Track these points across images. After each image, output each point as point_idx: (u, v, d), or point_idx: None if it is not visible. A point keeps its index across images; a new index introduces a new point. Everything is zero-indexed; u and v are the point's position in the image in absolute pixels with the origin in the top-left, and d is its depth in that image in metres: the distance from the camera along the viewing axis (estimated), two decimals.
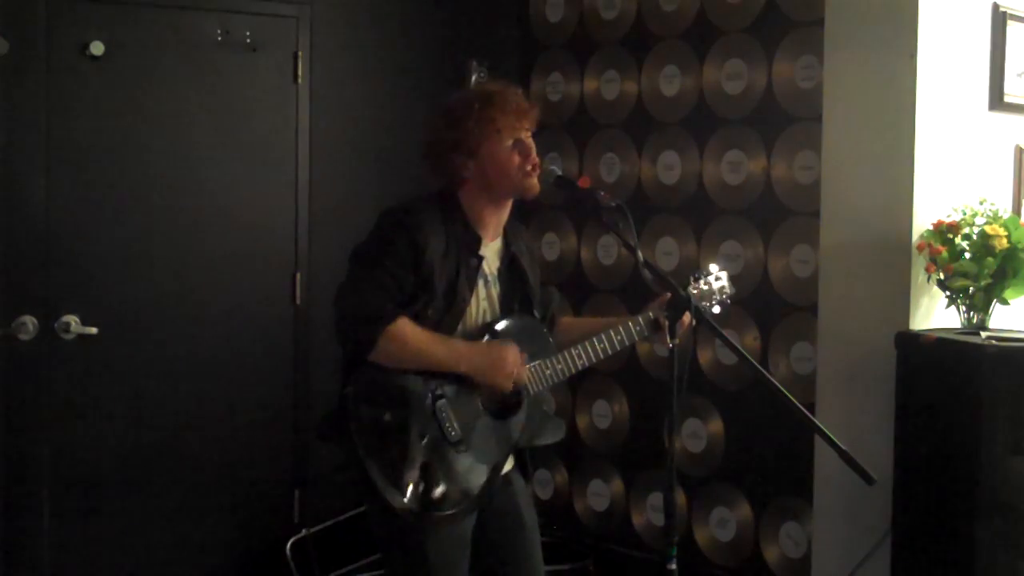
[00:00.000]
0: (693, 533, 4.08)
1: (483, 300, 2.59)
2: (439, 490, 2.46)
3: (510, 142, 2.54)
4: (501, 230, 2.65)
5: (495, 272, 2.63)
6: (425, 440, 2.46)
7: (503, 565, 2.66)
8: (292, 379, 3.99)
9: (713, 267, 2.85)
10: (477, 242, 2.57)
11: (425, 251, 2.45)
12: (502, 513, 2.64)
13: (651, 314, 2.69)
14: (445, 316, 2.50)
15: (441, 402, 2.48)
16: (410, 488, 2.43)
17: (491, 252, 2.62)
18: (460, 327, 2.54)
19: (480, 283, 2.58)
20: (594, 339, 2.63)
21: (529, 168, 2.54)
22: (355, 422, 2.41)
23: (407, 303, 2.46)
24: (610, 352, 2.65)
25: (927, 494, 3.10)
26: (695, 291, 2.78)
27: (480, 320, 2.59)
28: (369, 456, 2.40)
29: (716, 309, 2.83)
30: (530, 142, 2.57)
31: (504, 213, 2.63)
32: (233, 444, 3.87)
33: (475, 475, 2.53)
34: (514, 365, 2.51)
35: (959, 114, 3.48)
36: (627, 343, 2.67)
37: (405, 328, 2.42)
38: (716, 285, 2.83)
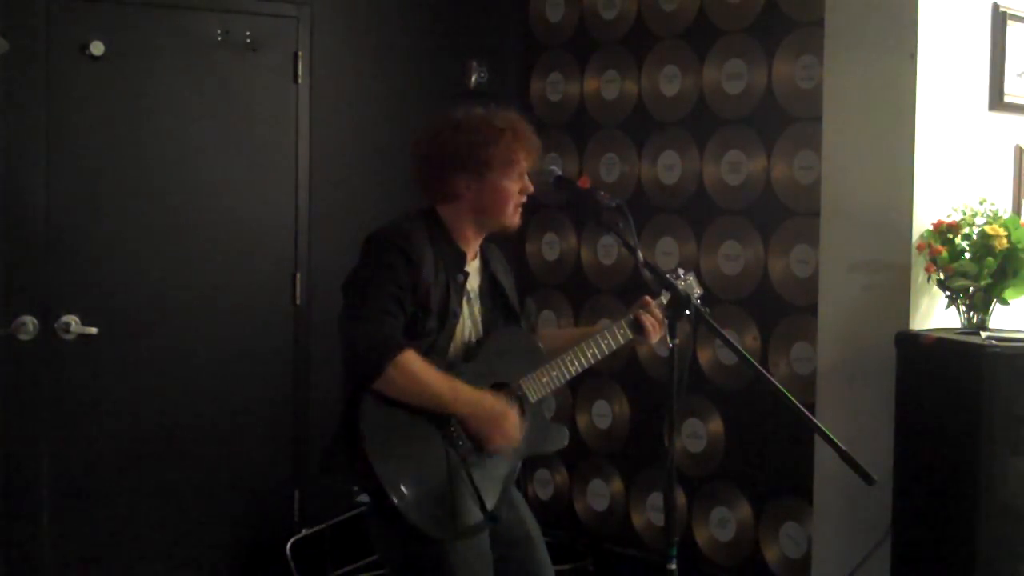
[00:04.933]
0: (693, 533, 4.07)
1: (467, 318, 2.59)
2: (459, 506, 2.44)
3: (517, 176, 2.56)
4: (479, 248, 2.66)
5: (476, 289, 2.63)
6: (440, 457, 2.44)
7: None
8: (292, 379, 3.99)
9: (680, 270, 2.87)
10: (463, 258, 2.58)
11: (421, 269, 2.44)
12: (508, 525, 2.63)
13: (631, 315, 2.71)
14: (439, 335, 2.49)
15: (452, 418, 2.47)
16: (431, 506, 2.40)
17: (472, 269, 2.63)
18: (452, 347, 2.53)
19: (465, 300, 2.58)
20: (583, 345, 2.65)
21: (519, 203, 2.58)
22: (370, 446, 2.36)
23: (408, 325, 2.44)
24: (599, 357, 2.67)
25: (927, 494, 3.10)
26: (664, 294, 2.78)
27: (468, 337, 2.58)
28: (388, 478, 2.35)
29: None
30: (529, 184, 2.60)
31: (481, 236, 2.64)
32: (233, 444, 3.87)
33: (488, 487, 2.51)
34: (509, 432, 2.49)
35: (959, 114, 3.48)
36: (614, 347, 2.70)
37: (414, 361, 2.38)
38: (686, 287, 2.83)
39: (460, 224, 2.58)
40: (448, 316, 2.50)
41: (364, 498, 2.44)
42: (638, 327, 2.70)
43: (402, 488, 2.37)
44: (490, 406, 2.47)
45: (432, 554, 2.44)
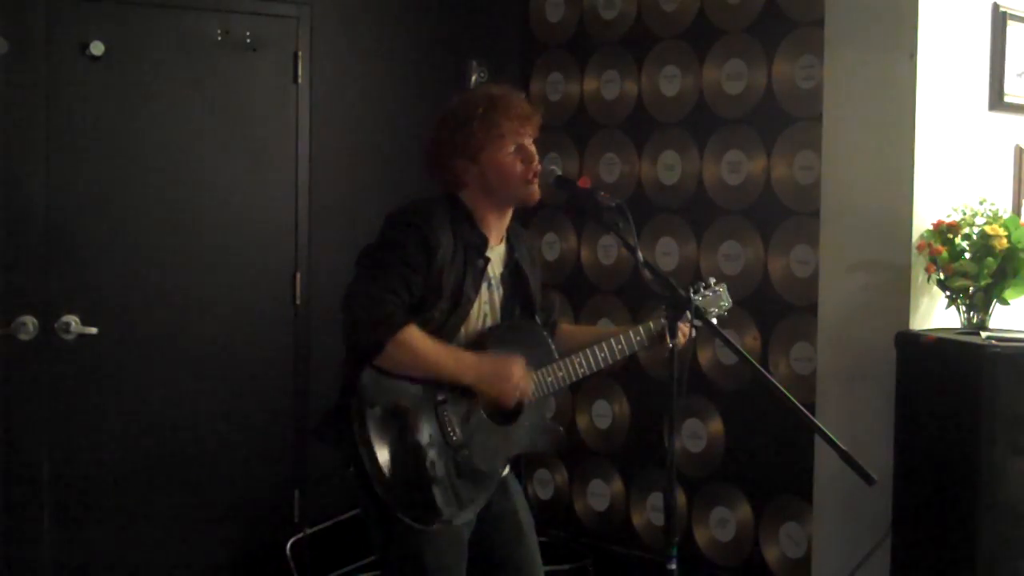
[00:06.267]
0: (693, 533, 4.08)
1: (484, 303, 2.58)
2: (439, 494, 2.46)
3: (512, 147, 2.53)
4: (504, 233, 2.65)
5: (498, 276, 2.62)
6: (427, 444, 2.45)
7: (503, 570, 2.65)
8: (292, 379, 3.99)
9: (712, 279, 2.87)
10: (484, 243, 2.56)
11: (436, 252, 2.44)
12: (500, 517, 2.64)
13: (651, 325, 2.71)
14: (450, 317, 2.49)
15: (443, 406, 2.48)
16: (411, 491, 2.42)
17: (496, 255, 2.62)
18: (462, 331, 2.53)
19: (483, 285, 2.57)
20: (595, 347, 2.64)
21: (530, 176, 2.54)
22: (357, 424, 2.39)
23: (416, 305, 2.44)
24: (610, 361, 2.66)
25: (927, 494, 3.11)
26: (695, 301, 2.78)
27: (480, 324, 2.58)
28: (371, 457, 2.39)
29: (714, 320, 2.85)
30: (532, 148, 2.56)
31: (506, 218, 2.63)
32: (233, 444, 3.86)
33: (476, 479, 2.52)
34: (520, 381, 2.49)
35: (959, 114, 3.48)
36: (627, 353, 2.69)
37: (414, 335, 2.39)
38: (713, 296, 2.85)
39: (479, 208, 2.57)
40: (461, 301, 2.50)
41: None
42: (655, 338, 2.69)
43: (384, 471, 2.38)
44: (493, 365, 2.47)
45: (406, 535, 2.45)
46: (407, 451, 2.43)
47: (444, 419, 2.48)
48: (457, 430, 2.48)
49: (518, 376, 2.49)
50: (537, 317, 2.70)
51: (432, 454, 2.45)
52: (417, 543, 2.46)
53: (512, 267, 2.66)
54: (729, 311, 2.91)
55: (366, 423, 2.40)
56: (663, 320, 2.66)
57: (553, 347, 2.68)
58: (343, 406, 2.44)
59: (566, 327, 2.89)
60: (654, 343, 2.71)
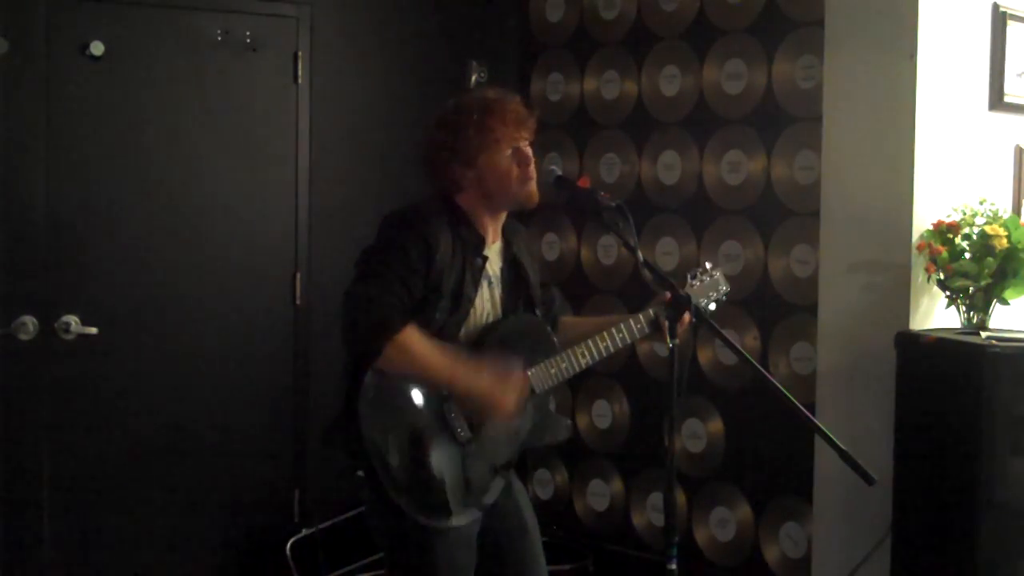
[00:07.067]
0: (693, 533, 4.08)
1: (486, 301, 2.58)
2: (450, 492, 2.46)
3: (508, 151, 2.53)
4: (500, 231, 2.65)
5: (497, 273, 2.62)
6: (435, 441, 2.45)
7: (506, 567, 2.65)
8: (292, 379, 3.99)
9: (707, 264, 2.86)
10: (481, 242, 2.56)
11: (436, 252, 2.44)
12: (504, 516, 2.63)
13: (651, 312, 2.70)
14: (451, 318, 2.49)
15: (449, 403, 2.47)
16: (422, 490, 2.42)
17: (493, 253, 2.62)
18: (464, 329, 2.53)
19: (484, 284, 2.57)
20: (596, 337, 2.63)
21: (526, 177, 2.53)
22: (365, 425, 2.39)
23: (417, 306, 2.44)
24: (612, 351, 2.65)
25: (927, 494, 3.11)
26: (692, 287, 2.78)
27: (484, 321, 2.58)
28: (380, 459, 2.38)
29: (712, 306, 2.84)
30: (528, 151, 2.56)
31: (502, 218, 2.63)
32: (233, 444, 3.86)
33: (484, 475, 2.52)
34: (512, 402, 2.46)
35: (959, 114, 3.48)
36: (628, 341, 2.67)
37: (412, 338, 2.38)
38: (711, 282, 2.84)
39: (475, 210, 2.57)
40: (462, 301, 2.50)
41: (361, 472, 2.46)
42: (656, 324, 2.69)
43: (395, 472, 2.39)
44: (489, 382, 2.43)
45: (418, 535, 2.45)
46: (415, 452, 2.42)
47: (450, 416, 2.48)
48: (464, 426, 2.48)
49: (510, 400, 2.45)
50: (537, 311, 2.70)
51: (440, 453, 2.45)
52: (429, 543, 2.46)
53: (511, 262, 2.66)
54: (727, 296, 2.89)
55: (373, 426, 2.39)
56: (664, 315, 2.67)
57: (555, 340, 2.67)
58: (349, 410, 2.43)
59: (567, 319, 2.89)
60: (654, 330, 2.68)
